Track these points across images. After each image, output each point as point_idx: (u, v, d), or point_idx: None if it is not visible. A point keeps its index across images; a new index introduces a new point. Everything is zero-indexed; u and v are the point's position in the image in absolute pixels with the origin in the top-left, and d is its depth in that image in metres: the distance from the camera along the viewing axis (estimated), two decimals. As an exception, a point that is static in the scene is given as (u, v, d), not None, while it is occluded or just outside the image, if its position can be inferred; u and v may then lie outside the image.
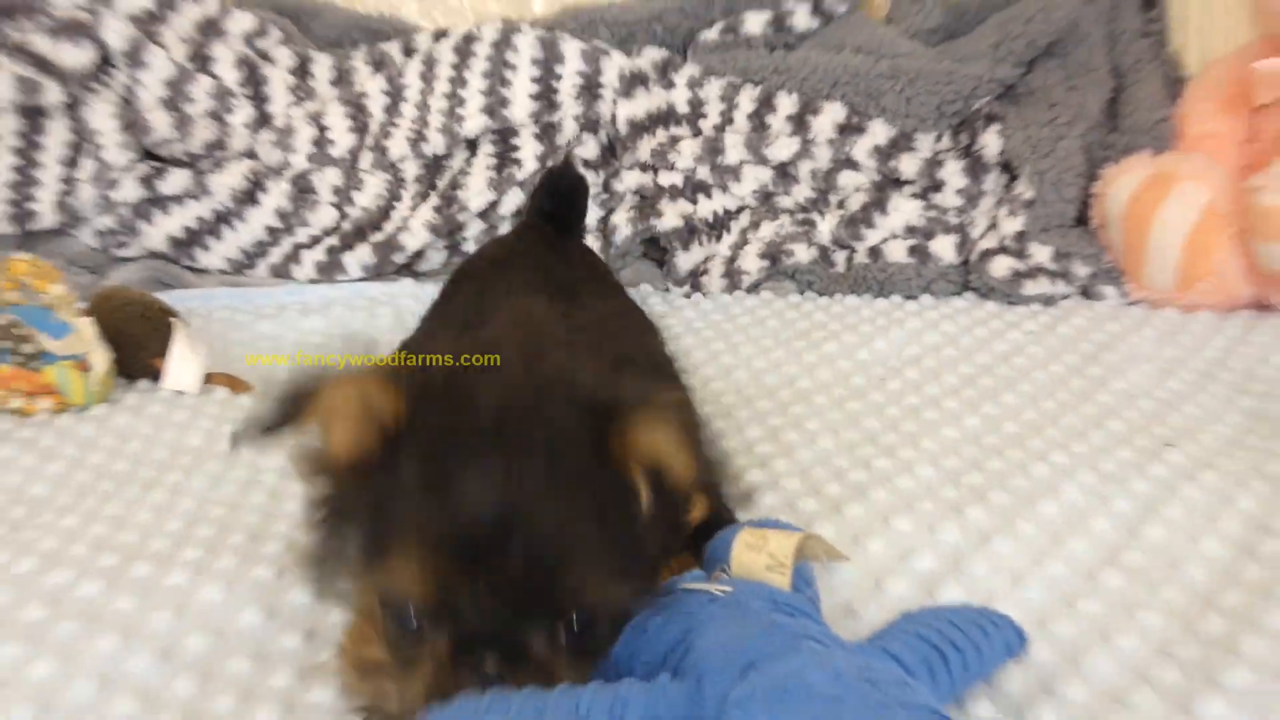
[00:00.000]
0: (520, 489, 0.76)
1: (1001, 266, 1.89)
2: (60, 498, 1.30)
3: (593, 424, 0.81)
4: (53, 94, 2.06)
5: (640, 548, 0.83)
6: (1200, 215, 1.78)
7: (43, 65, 2.06)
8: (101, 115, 2.07)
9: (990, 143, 2.02)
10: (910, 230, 1.99)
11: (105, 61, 2.12)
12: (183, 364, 1.61)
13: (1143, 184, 1.83)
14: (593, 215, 2.08)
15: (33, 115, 2.08)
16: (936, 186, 2.02)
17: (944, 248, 1.96)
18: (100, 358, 1.57)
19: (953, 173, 2.01)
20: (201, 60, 2.20)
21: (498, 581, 0.74)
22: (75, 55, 2.07)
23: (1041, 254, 1.90)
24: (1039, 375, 1.57)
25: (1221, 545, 1.11)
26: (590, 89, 2.12)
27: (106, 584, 1.08)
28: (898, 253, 1.97)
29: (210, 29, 2.25)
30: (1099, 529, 1.14)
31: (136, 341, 1.63)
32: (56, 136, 2.09)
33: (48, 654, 0.98)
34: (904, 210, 2.00)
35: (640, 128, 2.13)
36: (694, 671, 0.80)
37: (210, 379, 1.63)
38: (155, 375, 1.63)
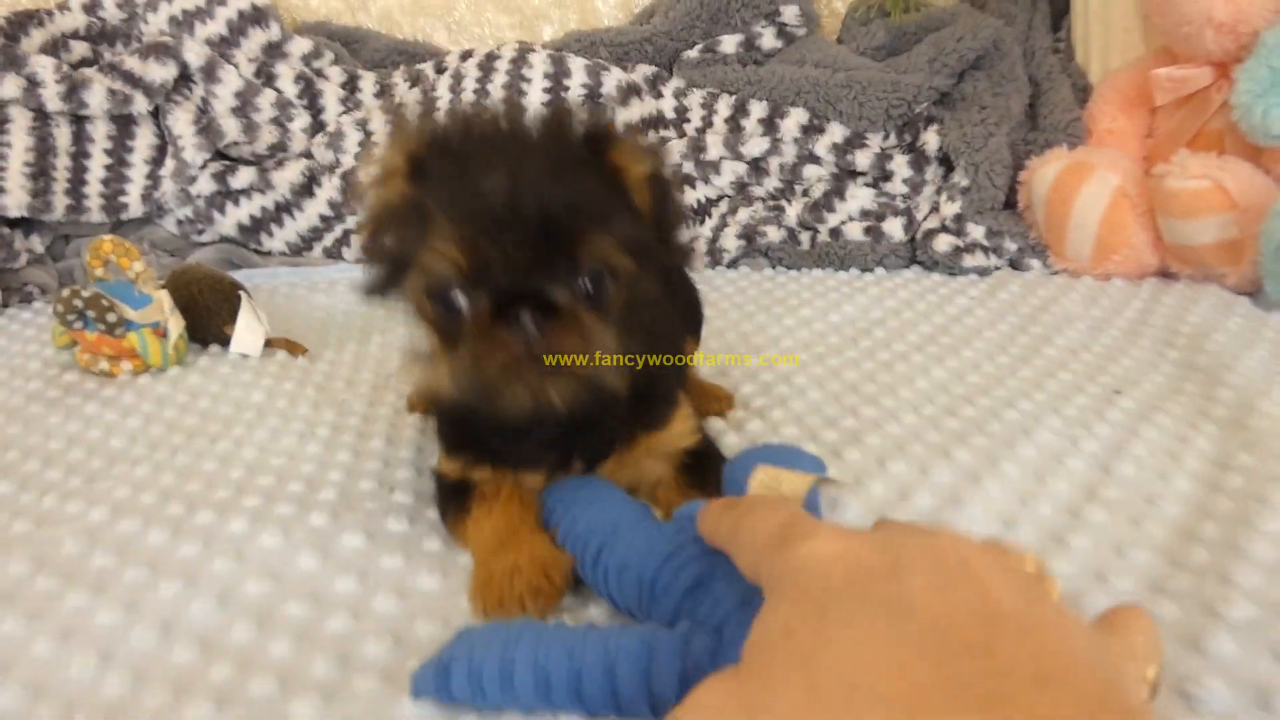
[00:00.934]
0: (532, 172, 0.71)
1: (944, 243, 1.70)
2: (134, 450, 1.11)
3: (591, 144, 0.76)
4: (140, 104, 1.85)
5: (637, 231, 0.75)
6: (1112, 197, 1.61)
7: (132, 80, 1.85)
8: (182, 122, 1.86)
9: (930, 140, 1.83)
10: (865, 213, 1.80)
11: (185, 77, 1.91)
12: (248, 331, 1.43)
13: (1063, 172, 1.65)
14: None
15: (123, 122, 1.87)
16: (886, 177, 1.83)
17: (893, 228, 1.77)
18: (175, 325, 1.38)
19: (900, 165, 1.82)
20: (266, 76, 1.99)
21: (521, 242, 0.70)
22: (160, 72, 1.85)
23: (977, 232, 1.72)
24: (988, 334, 1.39)
25: (1190, 482, 0.94)
26: (593, 98, 1.92)
27: (171, 532, 0.89)
28: (855, 232, 1.78)
29: (274, 51, 2.05)
30: (1075, 468, 0.96)
31: (208, 311, 1.44)
32: (143, 140, 1.88)
33: (113, 602, 0.79)
34: (859, 197, 1.81)
35: (635, 130, 1.93)
36: (712, 620, 0.65)
37: (271, 344, 1.44)
38: (224, 341, 1.44)
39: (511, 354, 0.70)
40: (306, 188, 1.87)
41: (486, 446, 0.85)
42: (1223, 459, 0.97)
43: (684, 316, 1.11)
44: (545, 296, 0.70)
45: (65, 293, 1.33)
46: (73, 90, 1.79)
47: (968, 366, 1.27)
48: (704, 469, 0.88)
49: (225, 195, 1.86)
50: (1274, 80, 1.50)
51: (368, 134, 1.95)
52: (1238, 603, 0.74)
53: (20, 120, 1.78)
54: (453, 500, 0.87)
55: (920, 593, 0.45)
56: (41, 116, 1.81)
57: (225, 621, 0.77)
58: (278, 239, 1.88)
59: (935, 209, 1.78)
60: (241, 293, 1.46)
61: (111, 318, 1.33)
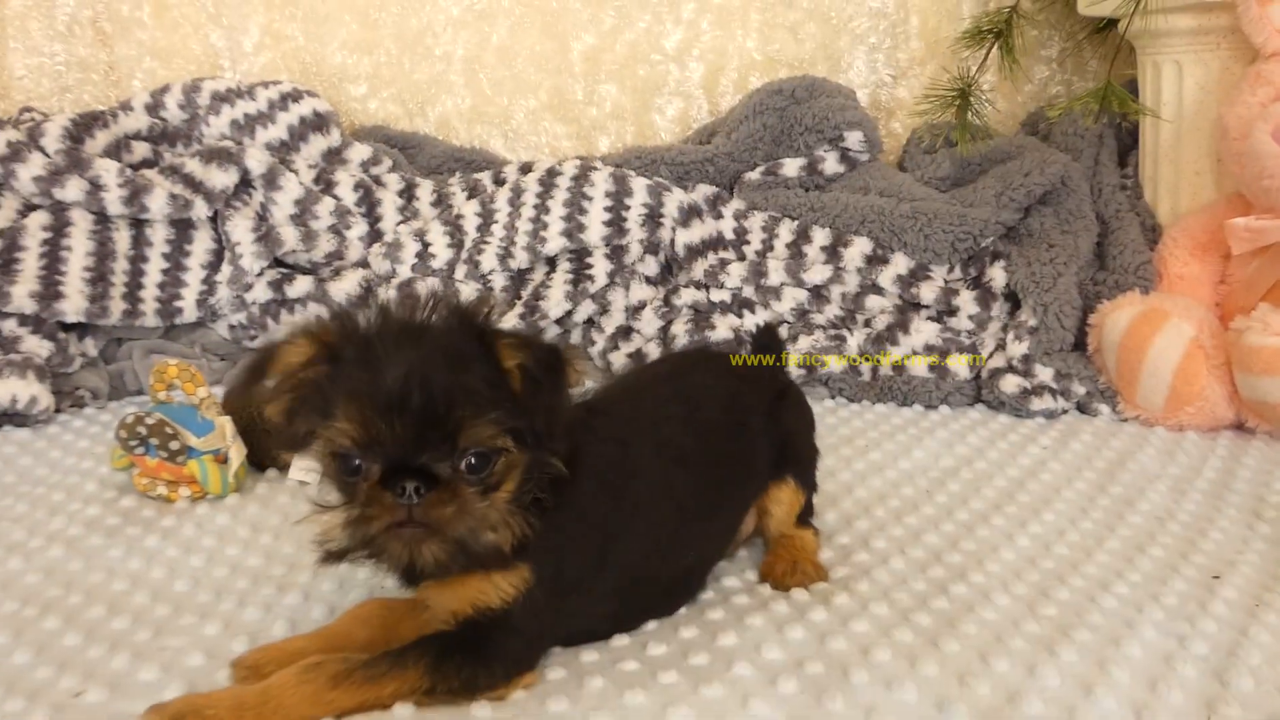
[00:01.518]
0: (425, 365, 0.83)
1: (1011, 384, 1.68)
2: (200, 597, 1.08)
3: (478, 336, 0.88)
4: (200, 209, 1.86)
5: (515, 413, 0.86)
6: (1187, 348, 1.58)
7: (193, 185, 1.85)
8: (241, 229, 1.86)
9: (997, 276, 1.83)
10: (929, 349, 1.78)
11: (245, 183, 1.91)
12: (307, 459, 1.40)
13: (1137, 319, 1.63)
14: (653, 325, 1.88)
15: (182, 226, 1.87)
16: (951, 311, 1.82)
17: (959, 365, 1.75)
18: (237, 453, 1.36)
19: (965, 301, 1.81)
20: (325, 183, 2.00)
21: (408, 423, 0.82)
22: (222, 178, 1.86)
23: (1045, 374, 1.69)
24: (1066, 493, 1.36)
25: (1310, 697, 0.90)
26: (653, 218, 1.92)
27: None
28: (919, 368, 1.76)
29: (333, 157, 2.06)
30: (1188, 676, 0.92)
31: (267, 434, 1.42)
32: (201, 245, 1.89)
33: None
34: (924, 331, 1.79)
35: (695, 252, 1.93)
36: None
37: (331, 469, 1.42)
38: (281, 465, 1.42)
39: (393, 515, 0.83)
40: (363, 299, 1.86)
41: None
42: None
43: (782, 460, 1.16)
44: (428, 470, 0.83)
45: (129, 418, 1.31)
46: (135, 195, 1.80)
47: (1052, 534, 1.23)
48: (471, 644, 0.89)
49: (280, 303, 1.86)
50: (1359, 240, 1.49)
51: (425, 245, 1.94)
52: None
53: (81, 224, 1.79)
54: None
55: None
56: (102, 220, 1.81)
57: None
58: (331, 349, 1.86)
59: (1000, 347, 1.76)
60: (302, 417, 1.44)
61: (174, 445, 1.31)
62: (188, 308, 1.85)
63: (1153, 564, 1.15)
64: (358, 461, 0.84)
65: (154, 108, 2.05)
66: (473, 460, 0.84)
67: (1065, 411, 1.69)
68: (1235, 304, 1.68)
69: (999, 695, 0.89)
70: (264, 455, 1.43)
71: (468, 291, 1.89)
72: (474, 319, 0.89)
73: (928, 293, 1.82)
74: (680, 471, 1.04)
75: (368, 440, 0.82)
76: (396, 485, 0.82)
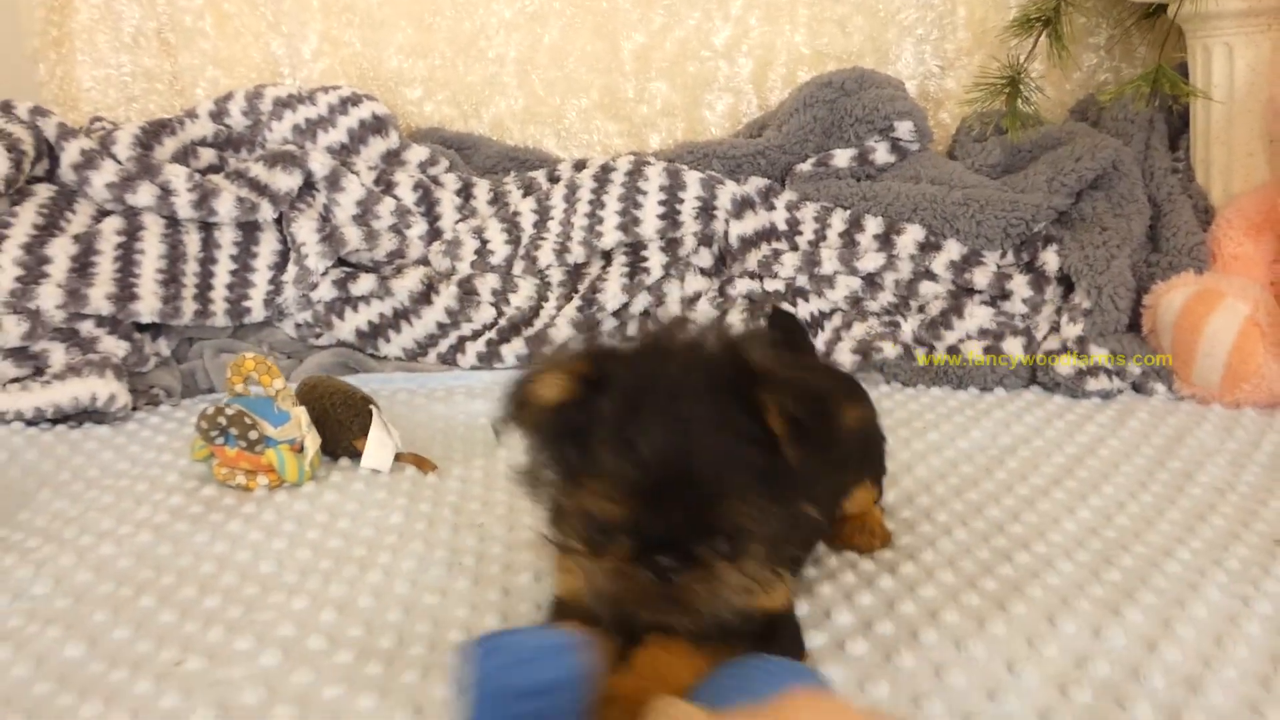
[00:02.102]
0: (688, 434, 0.76)
1: (1067, 365, 1.69)
2: (286, 577, 1.12)
3: (741, 386, 0.78)
4: (266, 212, 1.91)
5: (785, 484, 0.79)
6: (1242, 326, 1.59)
7: (259, 188, 1.91)
8: (306, 230, 1.91)
9: (1050, 260, 1.84)
10: (983, 332, 1.80)
11: (309, 185, 1.97)
12: (379, 446, 1.45)
13: (1191, 299, 1.64)
14: (708, 316, 1.91)
15: (249, 229, 1.93)
16: (1004, 295, 1.83)
17: (1013, 348, 1.76)
18: (311, 441, 1.40)
19: (1019, 285, 1.83)
20: (386, 184, 2.04)
21: (671, 506, 0.76)
22: (287, 181, 1.91)
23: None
24: (1125, 468, 1.38)
25: (1376, 654, 0.91)
26: (707, 210, 1.95)
27: (347, 686, 0.89)
28: (974, 351, 1.77)
29: (392, 158, 2.10)
30: (1252, 633, 0.94)
31: (339, 424, 1.47)
32: (267, 246, 1.94)
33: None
34: (977, 315, 1.81)
35: (749, 243, 1.95)
36: None
37: (400, 458, 1.46)
38: (354, 455, 1.46)
39: (644, 589, 0.77)
40: (424, 295, 1.90)
41: None
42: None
43: (863, 465, 1.15)
44: (684, 548, 0.77)
45: (210, 410, 1.36)
46: (204, 199, 1.85)
47: (1112, 505, 1.25)
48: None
49: (345, 301, 1.90)
50: None
51: (483, 242, 1.98)
52: None
53: (153, 228, 1.84)
54: None
55: None
56: (173, 224, 1.87)
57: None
58: (394, 344, 1.90)
59: (1055, 329, 1.78)
60: (373, 407, 1.48)
61: (253, 435, 1.35)
62: (256, 307, 1.90)
63: (1214, 532, 1.16)
64: (609, 531, 0.78)
65: (218, 114, 2.11)
66: (725, 541, 0.78)
67: (1121, 391, 1.70)
68: (1289, 281, 1.69)
69: (1066, 656, 0.91)
70: (335, 444, 1.47)
71: (527, 287, 1.93)
72: (744, 362, 0.80)
73: (981, 278, 1.84)
74: None
75: (625, 519, 0.77)
76: (651, 564, 0.76)
